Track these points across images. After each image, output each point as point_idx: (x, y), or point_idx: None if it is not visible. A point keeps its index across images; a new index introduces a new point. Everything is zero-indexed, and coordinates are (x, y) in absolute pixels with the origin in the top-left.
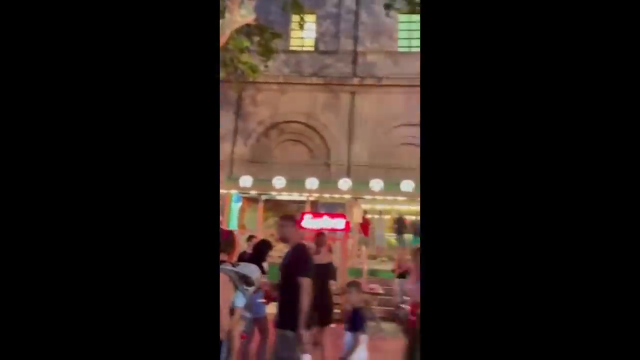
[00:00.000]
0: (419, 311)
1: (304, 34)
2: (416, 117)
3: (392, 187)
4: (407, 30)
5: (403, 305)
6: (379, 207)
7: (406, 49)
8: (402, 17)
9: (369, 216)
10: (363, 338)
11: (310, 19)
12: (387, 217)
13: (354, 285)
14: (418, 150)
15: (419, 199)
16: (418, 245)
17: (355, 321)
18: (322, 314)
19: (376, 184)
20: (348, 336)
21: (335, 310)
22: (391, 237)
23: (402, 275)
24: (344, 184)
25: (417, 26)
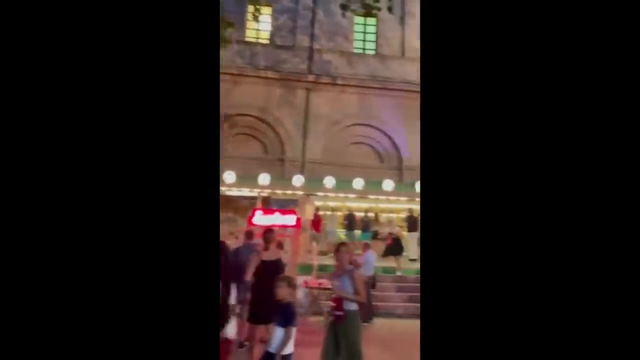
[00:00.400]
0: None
1: (260, 26)
2: (368, 118)
3: (344, 184)
4: (362, 33)
5: (330, 302)
6: (331, 204)
7: (360, 51)
8: (358, 19)
9: (321, 213)
10: (293, 332)
11: (266, 11)
12: (339, 213)
13: (284, 280)
14: (369, 149)
15: (368, 196)
16: (340, 240)
17: (286, 316)
18: (269, 310)
19: (329, 181)
20: (278, 331)
21: None
22: (342, 233)
23: None
24: (298, 180)
25: (372, 29)
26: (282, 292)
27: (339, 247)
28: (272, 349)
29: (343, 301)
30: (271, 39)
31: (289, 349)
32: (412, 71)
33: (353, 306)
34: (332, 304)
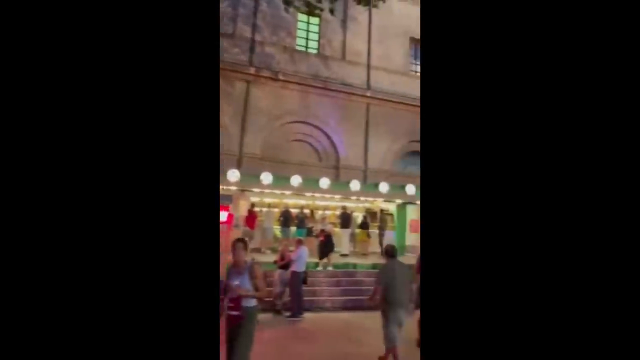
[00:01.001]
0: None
1: None
2: (308, 116)
3: (281, 181)
4: (305, 31)
5: (228, 303)
6: (268, 200)
7: (303, 49)
8: (301, 17)
9: (257, 209)
10: None
11: None
12: (276, 210)
13: None
14: (308, 146)
15: (305, 193)
16: (240, 237)
17: None
18: None
19: (266, 177)
20: None
21: None
22: (278, 230)
23: (284, 266)
24: (232, 175)
25: (315, 29)
26: None
27: (234, 244)
28: None
29: (241, 300)
30: None
31: None
32: (352, 73)
33: (253, 302)
34: (229, 304)
